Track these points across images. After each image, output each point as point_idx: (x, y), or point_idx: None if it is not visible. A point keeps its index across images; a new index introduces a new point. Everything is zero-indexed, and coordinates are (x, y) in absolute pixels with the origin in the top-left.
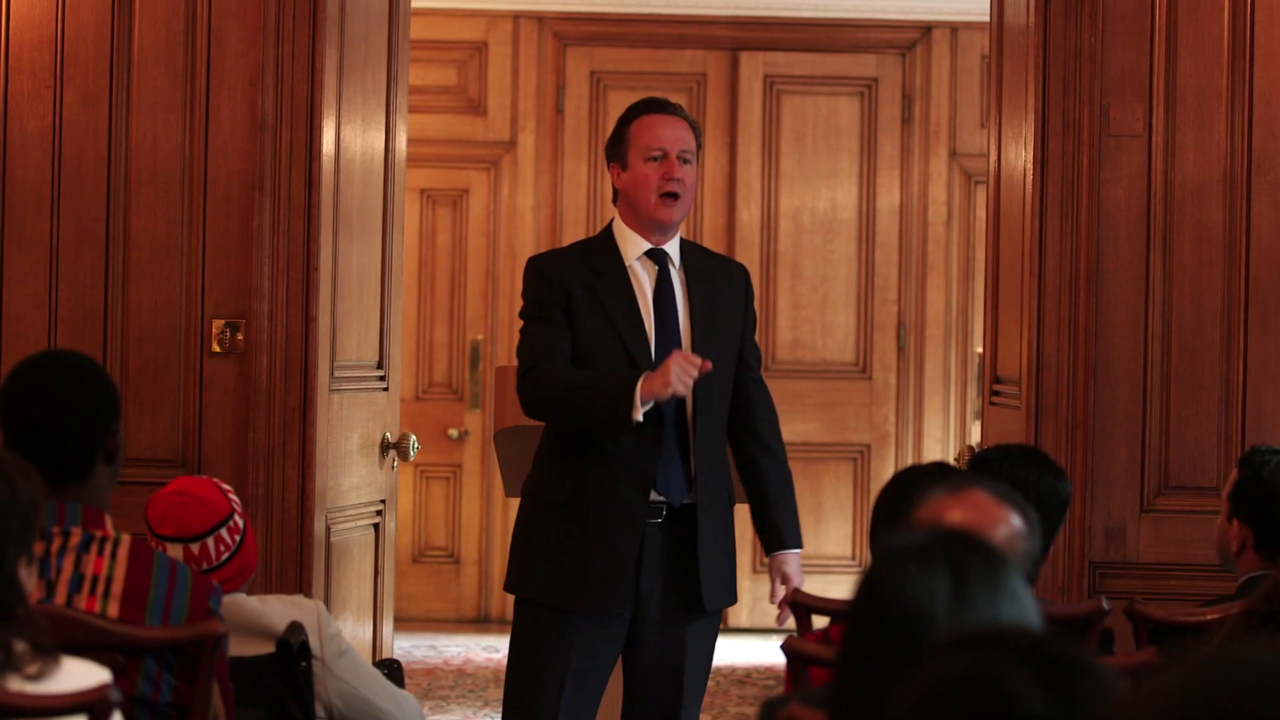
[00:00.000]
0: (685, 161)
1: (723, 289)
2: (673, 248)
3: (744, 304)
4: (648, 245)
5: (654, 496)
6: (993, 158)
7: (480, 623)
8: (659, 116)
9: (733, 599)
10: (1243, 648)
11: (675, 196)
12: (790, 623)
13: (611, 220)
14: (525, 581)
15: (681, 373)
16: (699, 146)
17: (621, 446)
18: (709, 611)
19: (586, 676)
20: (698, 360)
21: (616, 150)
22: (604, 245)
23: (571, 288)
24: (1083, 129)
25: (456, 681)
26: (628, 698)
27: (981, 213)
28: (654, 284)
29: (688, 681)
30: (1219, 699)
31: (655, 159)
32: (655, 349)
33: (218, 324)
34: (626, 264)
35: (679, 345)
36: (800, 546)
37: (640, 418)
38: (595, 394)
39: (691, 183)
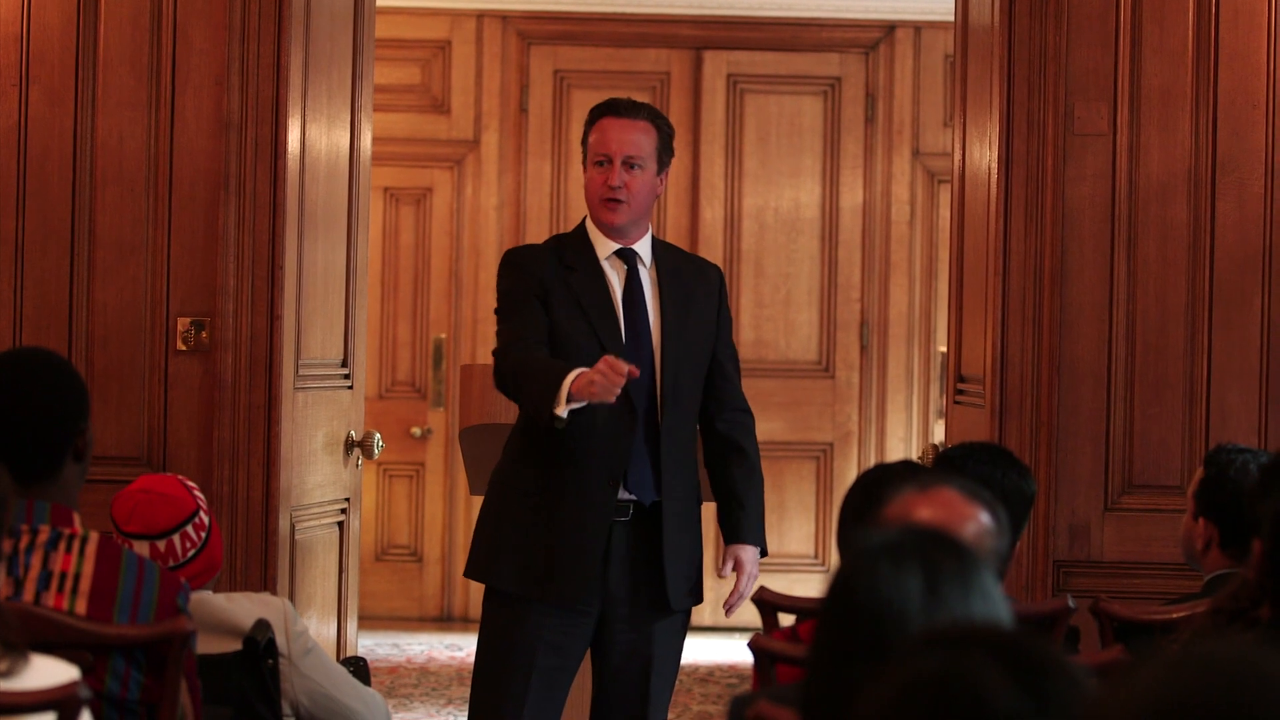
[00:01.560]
0: (631, 167)
1: (695, 289)
2: (643, 247)
3: (717, 304)
4: (617, 245)
5: (624, 494)
6: (957, 157)
7: (443, 621)
8: (610, 120)
9: (699, 598)
10: (1218, 645)
11: (617, 202)
12: (748, 618)
13: (585, 217)
14: (490, 569)
15: (606, 382)
16: (665, 146)
17: (594, 441)
18: (675, 610)
19: (553, 674)
20: (624, 367)
21: (583, 151)
22: (577, 241)
23: (547, 280)
24: (1047, 128)
25: (420, 680)
26: (596, 696)
27: (944, 212)
28: (623, 283)
29: (654, 680)
30: (1197, 696)
31: (600, 164)
32: (625, 346)
33: (183, 322)
34: (599, 261)
35: (649, 344)
36: (760, 545)
37: (564, 414)
38: (533, 381)
39: (638, 187)
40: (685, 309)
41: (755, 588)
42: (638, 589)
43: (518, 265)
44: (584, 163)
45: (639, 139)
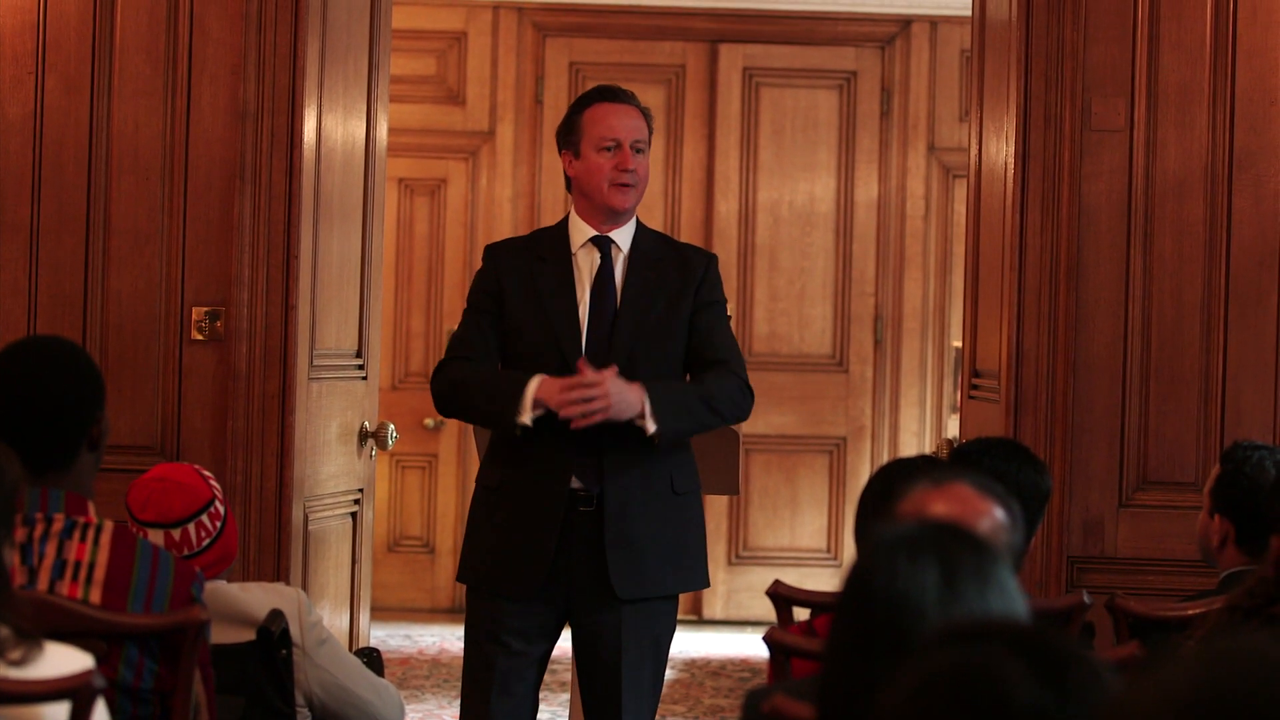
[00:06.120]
0: (638, 151)
1: (670, 276)
2: (622, 235)
3: (695, 290)
4: (594, 233)
5: (576, 484)
6: (974, 152)
7: (455, 612)
8: (612, 106)
9: (671, 587)
10: (1244, 639)
11: (628, 186)
12: (760, 612)
13: (569, 211)
14: (462, 565)
15: (573, 400)
16: (650, 134)
17: (548, 432)
18: (623, 599)
19: (515, 665)
20: (595, 390)
21: (569, 138)
22: (556, 233)
23: (507, 277)
24: (1064, 123)
25: (431, 671)
26: (580, 687)
27: (959, 206)
28: (595, 271)
29: (626, 669)
30: (1230, 690)
31: (609, 149)
32: (588, 336)
33: (198, 311)
34: (572, 252)
35: (610, 331)
36: (653, 396)
37: (529, 421)
38: (489, 391)
39: (644, 172)
40: (650, 296)
41: (600, 405)
42: (602, 577)
43: (485, 265)
44: (575, 150)
45: (640, 125)
